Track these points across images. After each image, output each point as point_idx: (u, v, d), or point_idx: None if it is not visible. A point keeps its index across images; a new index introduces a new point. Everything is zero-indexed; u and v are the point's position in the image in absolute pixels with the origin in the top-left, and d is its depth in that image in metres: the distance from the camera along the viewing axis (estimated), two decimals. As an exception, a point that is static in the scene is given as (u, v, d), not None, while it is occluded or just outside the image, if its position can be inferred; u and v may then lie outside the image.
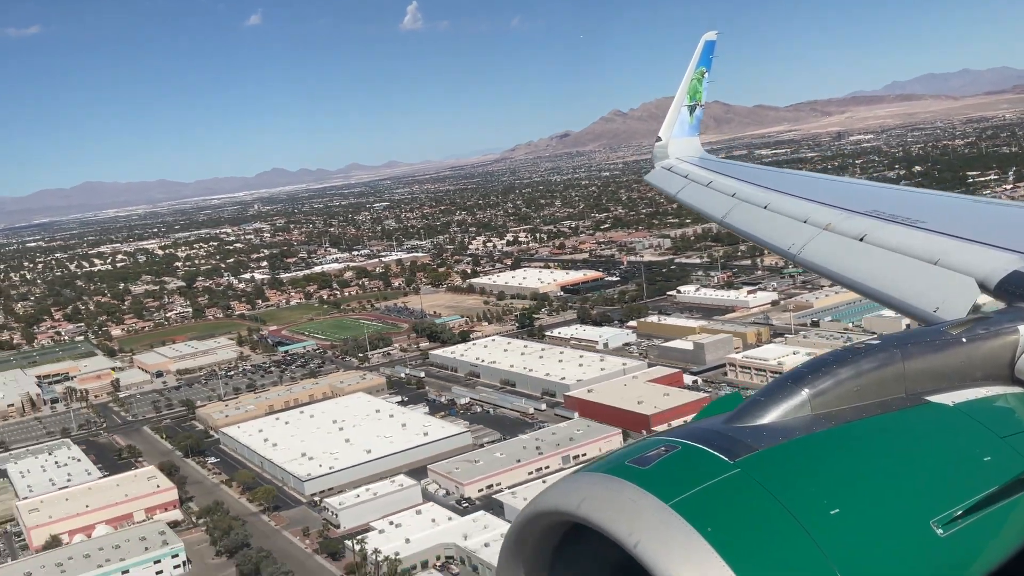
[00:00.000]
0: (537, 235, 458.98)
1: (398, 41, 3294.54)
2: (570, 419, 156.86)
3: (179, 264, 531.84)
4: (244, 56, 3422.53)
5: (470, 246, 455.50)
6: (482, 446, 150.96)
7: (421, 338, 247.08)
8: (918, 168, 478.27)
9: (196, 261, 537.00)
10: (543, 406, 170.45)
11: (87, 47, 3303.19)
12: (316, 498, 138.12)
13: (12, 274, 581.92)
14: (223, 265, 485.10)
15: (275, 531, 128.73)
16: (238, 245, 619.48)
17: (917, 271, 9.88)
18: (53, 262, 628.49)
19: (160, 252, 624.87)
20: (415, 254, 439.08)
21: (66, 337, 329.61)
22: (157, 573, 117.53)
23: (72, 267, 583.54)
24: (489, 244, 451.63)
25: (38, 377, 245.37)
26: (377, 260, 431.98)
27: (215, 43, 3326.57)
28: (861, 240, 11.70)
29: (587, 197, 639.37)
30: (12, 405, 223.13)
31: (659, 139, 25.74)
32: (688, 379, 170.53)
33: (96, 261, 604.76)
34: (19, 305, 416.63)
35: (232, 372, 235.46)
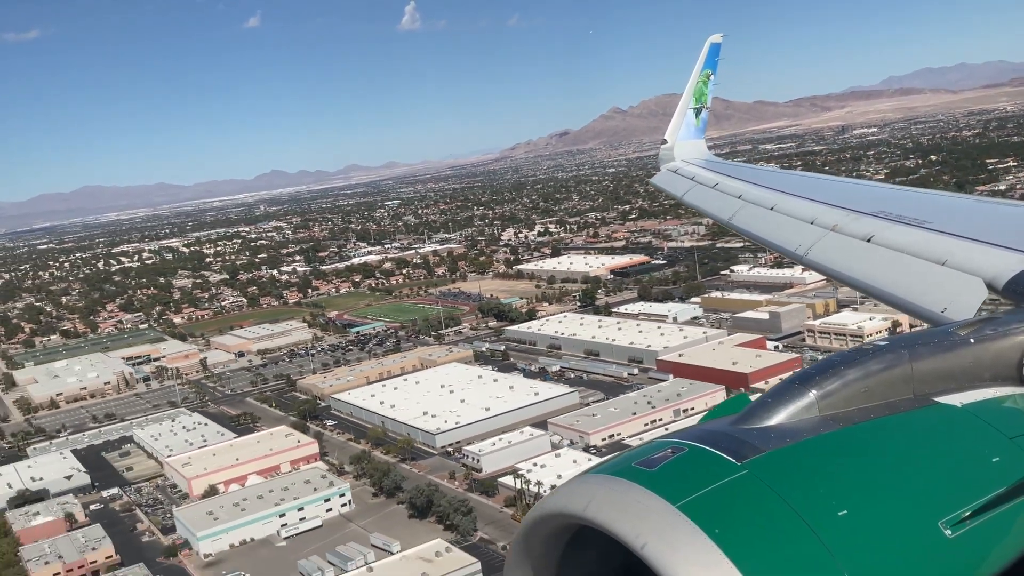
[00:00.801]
0: (566, 226, 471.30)
1: (396, 41, 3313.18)
2: (664, 381, 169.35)
3: (210, 260, 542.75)
4: (242, 58, 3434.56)
5: (502, 237, 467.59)
6: (587, 405, 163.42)
7: (488, 318, 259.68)
8: (934, 157, 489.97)
9: (227, 257, 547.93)
10: (635, 371, 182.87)
11: (85, 51, 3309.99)
12: (449, 449, 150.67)
13: (41, 272, 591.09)
14: (256, 259, 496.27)
15: (420, 476, 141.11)
16: (262, 242, 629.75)
17: (925, 272, 9.89)
18: (79, 260, 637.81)
19: (186, 250, 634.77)
20: (447, 245, 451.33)
21: (128, 325, 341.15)
22: (327, 510, 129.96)
23: (100, 265, 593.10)
24: (520, 235, 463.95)
25: (124, 359, 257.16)
26: (413, 252, 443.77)
27: (213, 45, 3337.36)
28: (868, 241, 11.74)
29: (602, 191, 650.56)
30: (108, 383, 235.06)
31: (665, 141, 25.72)
32: (769, 346, 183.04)
33: (123, 259, 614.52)
34: (63, 299, 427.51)
35: (312, 351, 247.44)
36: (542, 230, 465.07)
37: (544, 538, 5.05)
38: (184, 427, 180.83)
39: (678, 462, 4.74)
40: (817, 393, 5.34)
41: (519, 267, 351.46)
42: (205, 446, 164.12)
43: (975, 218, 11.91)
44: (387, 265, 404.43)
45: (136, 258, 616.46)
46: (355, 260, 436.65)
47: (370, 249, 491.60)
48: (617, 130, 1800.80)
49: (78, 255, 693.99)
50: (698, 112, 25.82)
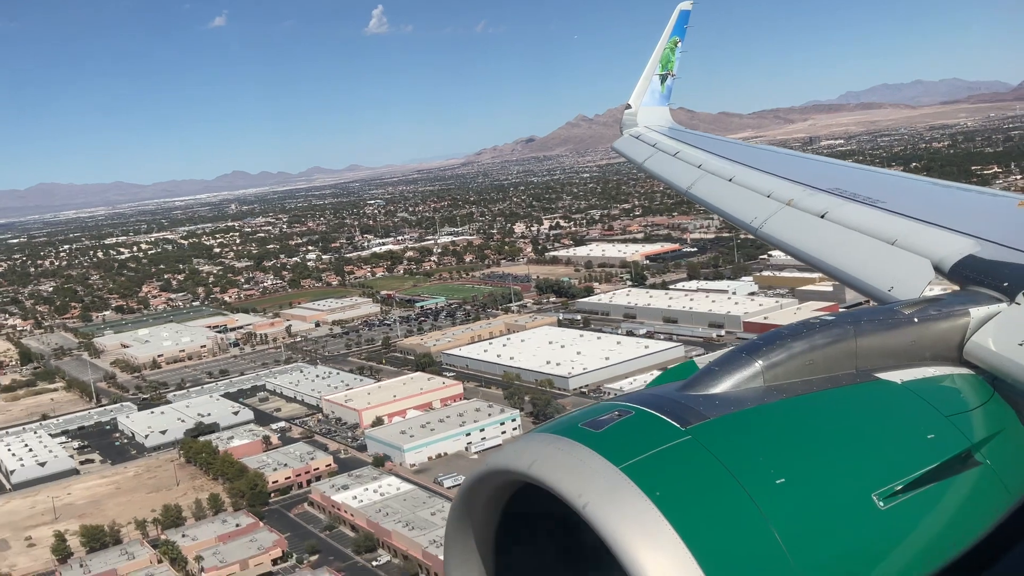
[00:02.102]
0: (574, 221, 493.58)
1: (362, 44, 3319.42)
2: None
3: (218, 250, 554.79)
4: (205, 57, 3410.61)
5: (515, 230, 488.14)
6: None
7: (547, 295, 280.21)
8: (915, 165, 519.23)
9: (233, 248, 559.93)
10: (722, 332, 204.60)
11: (42, 46, 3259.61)
12: (583, 389, 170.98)
13: (40, 261, 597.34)
14: (267, 249, 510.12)
15: (572, 407, 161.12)
16: (260, 235, 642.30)
17: (875, 250, 10.04)
18: (76, 251, 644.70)
19: (184, 242, 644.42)
20: (462, 237, 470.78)
21: (179, 303, 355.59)
22: (502, 432, 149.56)
23: (99, 255, 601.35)
24: (532, 229, 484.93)
25: (208, 327, 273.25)
26: (432, 242, 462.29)
27: (176, 44, 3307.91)
28: (822, 217, 11.80)
29: (591, 192, 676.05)
30: (204, 347, 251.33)
31: (628, 106, 25.46)
32: (842, 310, 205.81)
33: (122, 250, 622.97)
34: (89, 282, 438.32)
35: (389, 321, 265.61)
36: (552, 224, 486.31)
37: (487, 496, 5.14)
38: (317, 376, 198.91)
39: (624, 424, 4.83)
40: (763, 364, 5.48)
41: (552, 254, 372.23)
42: (351, 389, 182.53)
43: (928, 200, 12.00)
44: (409, 254, 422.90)
45: (135, 249, 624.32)
46: (374, 249, 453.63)
47: (382, 241, 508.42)
48: (584, 138, 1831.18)
49: (67, 248, 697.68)
50: (663, 79, 25.57)
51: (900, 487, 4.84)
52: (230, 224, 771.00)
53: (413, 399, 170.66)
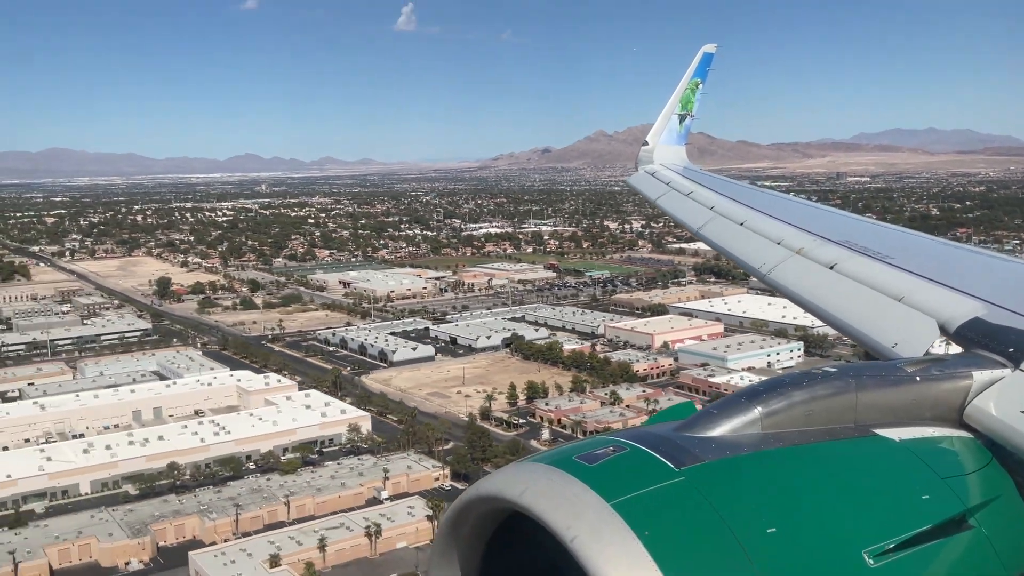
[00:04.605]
0: (662, 223, 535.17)
1: (388, 40, 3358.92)
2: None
3: (312, 221, 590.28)
4: (230, 38, 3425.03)
5: (608, 226, 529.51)
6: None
7: (706, 275, 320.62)
8: (964, 204, 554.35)
9: (323, 220, 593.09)
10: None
11: (67, 12, 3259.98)
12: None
13: (132, 217, 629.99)
14: (362, 223, 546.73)
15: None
16: (336, 211, 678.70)
17: (882, 306, 9.95)
18: (163, 210, 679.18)
19: (266, 212, 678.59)
20: (554, 228, 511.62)
21: (341, 259, 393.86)
22: (789, 358, 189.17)
23: (188, 217, 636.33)
24: (625, 225, 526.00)
25: (416, 276, 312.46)
26: (536, 229, 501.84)
27: (203, 21, 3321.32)
28: (831, 268, 11.76)
29: (642, 202, 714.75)
30: (426, 288, 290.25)
31: (646, 143, 25.38)
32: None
33: (220, 212, 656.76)
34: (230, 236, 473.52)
35: (571, 284, 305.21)
36: (644, 223, 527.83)
37: (475, 521, 5.14)
38: (573, 312, 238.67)
39: (618, 460, 4.81)
40: (762, 410, 5.47)
41: (676, 246, 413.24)
42: (620, 322, 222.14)
43: (937, 259, 11.81)
44: (519, 236, 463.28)
45: (218, 214, 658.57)
46: (488, 230, 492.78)
47: (478, 225, 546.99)
48: (602, 152, 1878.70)
49: (151, 207, 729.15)
50: (682, 119, 25.56)
51: (892, 546, 4.78)
52: (300, 201, 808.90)
53: (688, 331, 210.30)
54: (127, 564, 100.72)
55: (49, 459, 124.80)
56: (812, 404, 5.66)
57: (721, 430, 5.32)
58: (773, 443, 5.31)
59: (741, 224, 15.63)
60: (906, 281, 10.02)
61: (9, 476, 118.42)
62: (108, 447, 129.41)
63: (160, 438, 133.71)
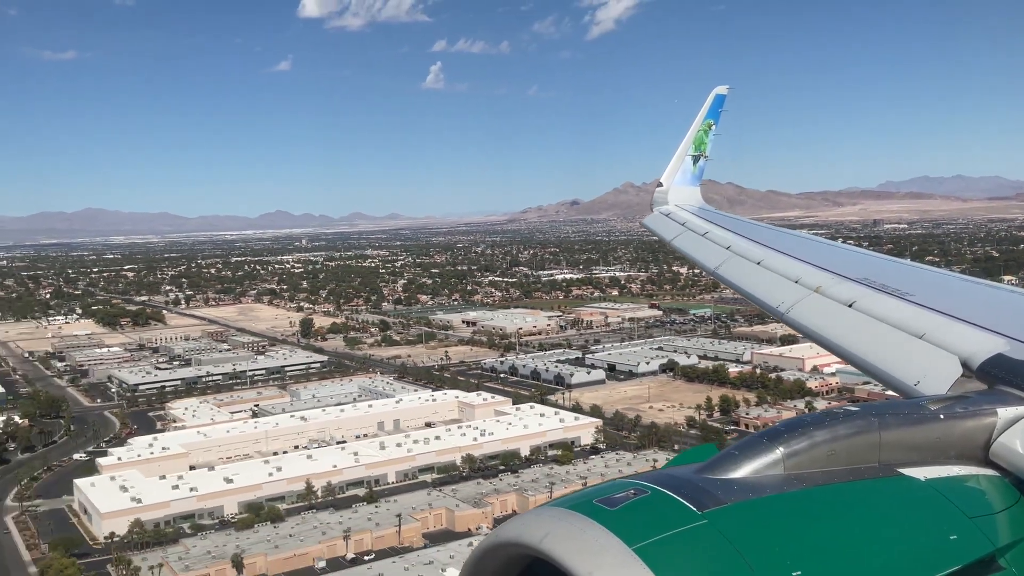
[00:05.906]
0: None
1: (416, 97, 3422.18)
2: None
3: (383, 272, 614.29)
4: (262, 98, 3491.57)
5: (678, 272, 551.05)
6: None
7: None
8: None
9: (394, 270, 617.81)
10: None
11: (100, 74, 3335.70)
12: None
13: (206, 270, 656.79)
14: (457, 270, 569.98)
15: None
16: (397, 262, 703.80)
17: (903, 344, 9.84)
18: (233, 263, 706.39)
19: (331, 263, 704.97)
20: (626, 273, 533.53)
21: (442, 302, 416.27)
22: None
23: (264, 268, 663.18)
24: (692, 269, 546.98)
25: (534, 315, 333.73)
26: (608, 275, 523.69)
27: (236, 83, 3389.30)
28: (850, 306, 11.67)
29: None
30: (549, 325, 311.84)
31: (660, 184, 25.55)
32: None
33: (293, 265, 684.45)
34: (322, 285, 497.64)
35: (679, 320, 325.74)
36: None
37: (496, 567, 5.10)
38: (710, 342, 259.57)
39: (639, 504, 4.75)
40: (784, 451, 5.40)
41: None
42: (766, 348, 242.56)
43: (958, 296, 11.68)
44: (596, 280, 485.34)
45: (287, 265, 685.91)
46: (567, 275, 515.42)
47: (552, 271, 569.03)
48: (631, 204, 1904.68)
49: (203, 262, 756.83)
50: (696, 160, 25.60)
51: None
52: (361, 253, 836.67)
53: (830, 356, 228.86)
54: (477, 528, 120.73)
55: (356, 453, 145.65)
56: (835, 444, 5.61)
57: (743, 472, 5.27)
58: (796, 484, 5.24)
59: (758, 263, 15.63)
60: (927, 318, 10.03)
61: (335, 466, 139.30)
62: (399, 444, 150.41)
63: (437, 438, 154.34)
